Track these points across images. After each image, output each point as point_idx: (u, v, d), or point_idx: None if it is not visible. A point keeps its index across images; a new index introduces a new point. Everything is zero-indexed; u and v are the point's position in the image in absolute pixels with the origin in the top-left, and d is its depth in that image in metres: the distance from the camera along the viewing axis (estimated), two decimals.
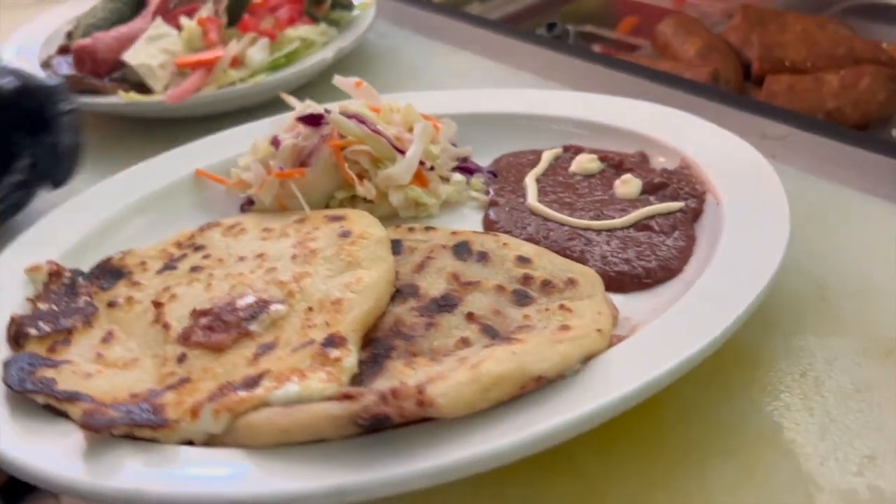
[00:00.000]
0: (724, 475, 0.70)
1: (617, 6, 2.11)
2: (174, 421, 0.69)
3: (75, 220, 1.03)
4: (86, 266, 0.96)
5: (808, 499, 0.68)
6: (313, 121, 1.03)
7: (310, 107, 1.07)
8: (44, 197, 1.11)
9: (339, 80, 1.13)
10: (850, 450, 0.71)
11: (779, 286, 0.88)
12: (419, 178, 1.01)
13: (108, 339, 0.84)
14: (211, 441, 0.68)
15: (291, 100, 1.13)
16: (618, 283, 0.86)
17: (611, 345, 0.74)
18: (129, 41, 1.44)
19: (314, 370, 0.71)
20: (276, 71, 1.38)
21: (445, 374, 0.66)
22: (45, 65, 1.52)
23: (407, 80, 1.48)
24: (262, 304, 0.81)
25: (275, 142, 1.05)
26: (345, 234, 0.90)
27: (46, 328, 0.83)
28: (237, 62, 1.37)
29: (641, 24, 1.99)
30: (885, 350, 0.80)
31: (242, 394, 0.69)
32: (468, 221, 1.01)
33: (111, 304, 0.89)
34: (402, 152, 1.01)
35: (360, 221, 0.92)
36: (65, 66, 1.48)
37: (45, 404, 0.72)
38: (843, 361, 0.80)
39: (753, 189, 0.92)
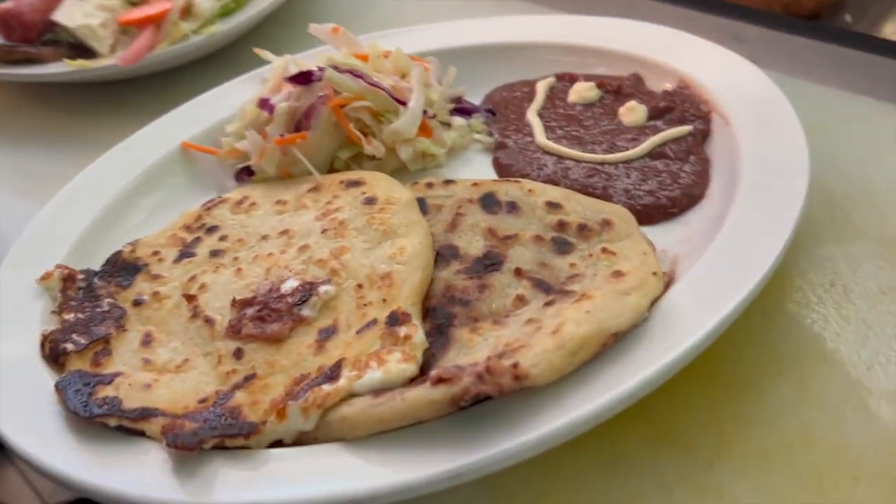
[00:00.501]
0: (782, 396, 0.75)
1: None
2: (262, 424, 0.68)
3: (66, 218, 0.97)
4: (94, 264, 0.92)
5: (861, 404, 0.73)
6: (304, 79, 0.98)
7: (295, 63, 1.02)
8: (21, 202, 1.05)
9: (314, 27, 1.08)
10: (891, 352, 0.77)
11: None
12: (423, 129, 0.99)
13: (147, 341, 0.81)
14: (301, 438, 0.69)
15: (267, 54, 1.08)
16: (646, 215, 0.88)
17: (665, 282, 0.76)
18: (55, 2, 1.33)
19: (389, 351, 0.71)
20: (228, 17, 1.30)
21: (528, 342, 0.67)
22: None
23: (380, 17, 1.41)
24: (309, 287, 0.80)
25: (264, 105, 1.00)
26: (370, 202, 0.88)
27: (82, 341, 0.80)
28: (185, 13, 1.29)
29: None
30: None
31: (327, 388, 0.68)
32: (477, 165, 1.00)
33: (137, 303, 0.86)
34: (402, 102, 0.98)
35: (380, 185, 0.91)
36: None
37: (116, 426, 0.70)
38: (866, 266, 0.85)
39: (758, 104, 0.93)
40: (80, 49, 1.30)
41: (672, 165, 0.92)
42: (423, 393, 0.65)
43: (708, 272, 0.76)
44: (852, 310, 0.81)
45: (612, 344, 0.69)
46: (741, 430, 0.74)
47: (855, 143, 1.00)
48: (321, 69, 0.97)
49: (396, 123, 0.96)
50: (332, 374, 0.70)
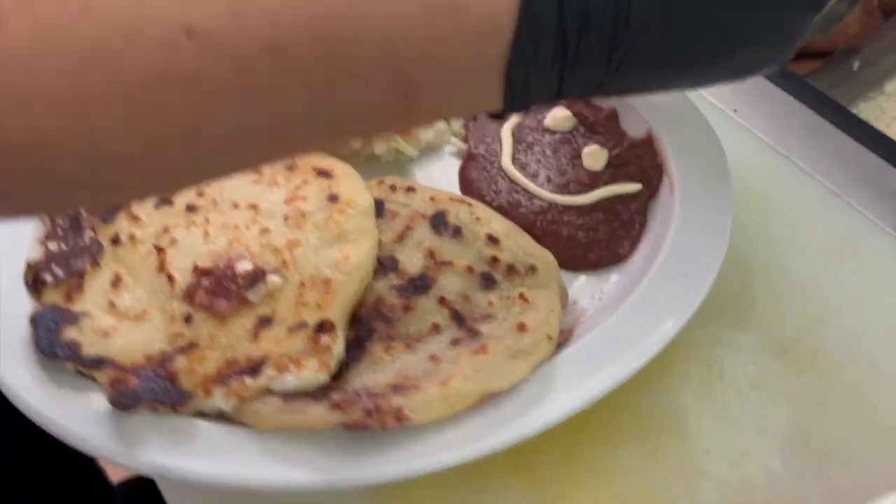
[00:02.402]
0: (631, 456, 0.89)
1: None
2: (190, 396, 0.82)
3: None
4: None
5: (693, 482, 0.87)
6: None
7: None
8: None
9: None
10: (734, 443, 0.90)
11: None
12: None
13: (116, 283, 0.93)
14: (221, 416, 0.83)
15: None
16: (571, 262, 0.98)
17: (561, 340, 0.88)
18: None
19: (308, 357, 0.84)
20: None
21: (420, 384, 0.80)
22: None
23: None
24: (260, 273, 0.91)
25: None
26: (333, 199, 0.98)
27: (61, 273, 0.92)
28: None
29: None
30: (782, 348, 0.97)
31: (249, 382, 0.82)
32: (446, 172, 1.09)
33: (115, 241, 0.97)
34: None
35: (348, 184, 1.00)
36: None
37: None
38: (745, 358, 0.96)
39: (706, 174, 1.01)
40: None
41: (612, 220, 1.01)
42: (321, 413, 0.79)
43: (598, 345, 0.87)
44: (718, 394, 0.93)
45: (491, 400, 0.82)
46: (589, 478, 0.88)
47: (800, 229, 1.07)
48: None
49: None
50: (256, 368, 0.83)
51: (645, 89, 0.61)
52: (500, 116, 1.13)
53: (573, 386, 0.83)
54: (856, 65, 1.46)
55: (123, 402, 0.80)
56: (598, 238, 1.00)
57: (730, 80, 0.61)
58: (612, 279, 0.98)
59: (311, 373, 0.83)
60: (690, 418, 0.92)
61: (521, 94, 0.56)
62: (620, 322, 0.89)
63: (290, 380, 0.82)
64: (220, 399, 0.82)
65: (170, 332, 0.89)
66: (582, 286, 0.98)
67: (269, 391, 0.82)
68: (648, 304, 0.90)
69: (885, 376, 0.93)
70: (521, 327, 0.88)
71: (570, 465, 0.89)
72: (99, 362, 0.84)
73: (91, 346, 0.86)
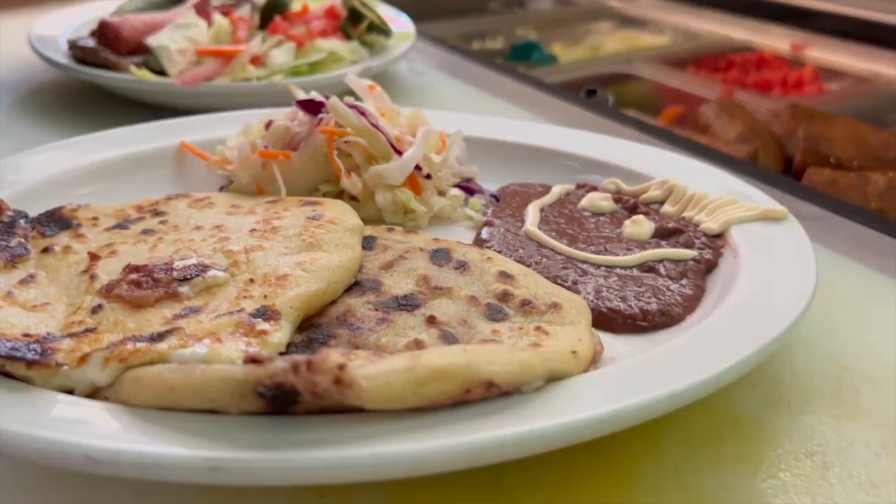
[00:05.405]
0: None
1: (662, 95, 2.06)
2: (55, 363, 0.58)
3: (37, 164, 0.95)
4: (34, 213, 0.88)
5: None
6: (312, 107, 0.95)
7: (313, 95, 0.99)
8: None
9: (352, 78, 1.06)
10: None
11: (795, 364, 0.77)
12: (413, 183, 0.92)
13: (27, 280, 0.74)
14: (94, 394, 0.58)
15: (298, 91, 1.06)
16: (609, 320, 0.75)
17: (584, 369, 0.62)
18: (157, 27, 1.40)
19: (233, 339, 0.61)
20: (296, 77, 1.32)
21: (377, 359, 0.55)
22: (72, 44, 1.48)
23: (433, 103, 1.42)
24: (201, 268, 0.71)
25: (269, 125, 0.97)
26: (314, 217, 0.81)
27: None
28: (258, 61, 1.32)
29: (684, 115, 1.93)
30: None
31: (140, 345, 0.58)
32: (457, 239, 0.91)
33: (46, 250, 0.80)
34: (401, 153, 0.93)
35: (335, 209, 0.83)
36: (89, 43, 1.44)
37: None
38: (860, 449, 0.67)
39: (778, 249, 0.81)
40: (161, 76, 1.35)
41: (659, 281, 0.80)
42: (226, 368, 0.54)
43: (631, 369, 0.62)
44: (823, 487, 0.63)
45: (482, 396, 0.55)
46: None
47: (892, 329, 0.84)
48: (328, 97, 0.94)
49: (383, 166, 0.90)
50: (157, 337, 0.60)
51: None
52: None
53: (593, 402, 0.56)
54: None
55: None
56: (641, 295, 0.77)
57: None
58: (659, 341, 0.73)
59: (231, 351, 0.59)
60: None
61: None
62: (656, 357, 0.64)
63: (198, 350, 0.58)
64: (95, 366, 0.57)
65: (68, 321, 0.68)
66: (622, 345, 0.73)
67: (163, 360, 0.58)
68: (694, 347, 0.65)
69: None
70: (535, 346, 0.64)
71: None
72: None
73: None
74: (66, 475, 0.60)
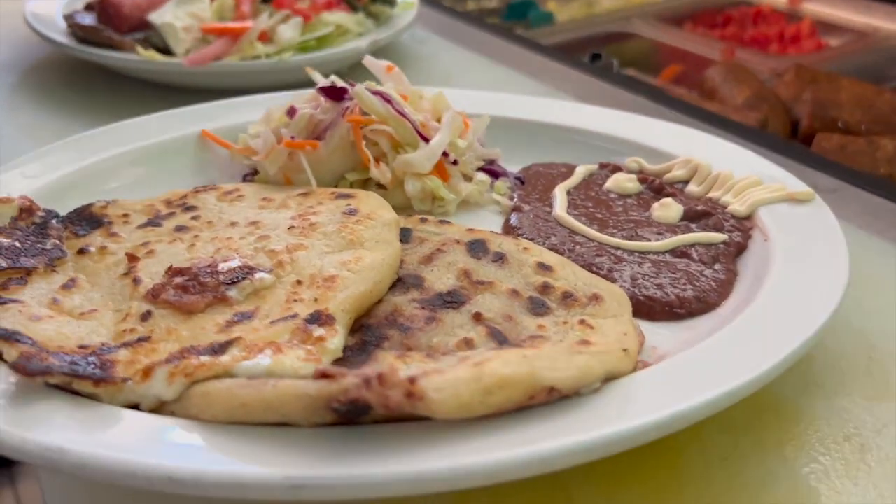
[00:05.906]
0: None
1: (662, 53, 2.05)
2: (121, 379, 0.59)
3: (62, 160, 0.94)
4: (64, 210, 0.87)
5: None
6: (335, 94, 0.94)
7: (334, 81, 0.98)
8: (34, 136, 1.03)
9: (369, 60, 1.05)
10: None
11: (825, 343, 0.79)
12: (440, 170, 0.92)
13: (69, 285, 0.74)
14: (160, 409, 0.59)
15: (316, 75, 1.05)
16: (647, 308, 0.77)
17: (636, 370, 0.64)
18: (158, 3, 1.37)
19: (292, 346, 0.62)
20: (305, 52, 1.31)
21: (443, 369, 0.56)
22: (68, 17, 1.45)
23: (440, 85, 1.41)
24: (247, 270, 0.72)
25: (291, 112, 0.97)
26: (350, 213, 0.81)
27: (2, 263, 0.74)
28: (266, 37, 1.30)
29: (685, 73, 1.92)
30: None
31: (204, 359, 0.59)
32: (486, 225, 0.91)
33: (81, 252, 0.80)
34: (427, 140, 0.93)
35: (369, 202, 0.83)
36: (87, 20, 1.41)
37: None
38: (894, 431, 0.69)
39: (808, 232, 0.82)
40: (164, 52, 1.32)
41: (693, 266, 0.81)
42: (297, 384, 0.55)
43: (686, 366, 0.63)
44: (863, 471, 0.66)
45: (544, 401, 0.57)
46: None
47: None
48: (352, 84, 0.94)
49: (410, 154, 0.90)
50: (219, 349, 0.61)
51: None
52: None
53: (654, 404, 0.58)
54: None
55: (27, 366, 0.57)
56: (677, 282, 0.79)
57: None
58: (698, 328, 0.75)
59: (293, 360, 0.60)
60: (824, 499, 0.63)
61: None
62: (707, 352, 0.65)
63: (262, 361, 0.59)
64: (160, 381, 0.58)
65: (118, 329, 0.68)
66: (662, 333, 0.75)
67: (228, 374, 0.59)
68: (739, 340, 0.67)
69: None
70: (584, 342, 0.65)
71: None
72: (13, 335, 0.62)
73: (10, 322, 0.65)
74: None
